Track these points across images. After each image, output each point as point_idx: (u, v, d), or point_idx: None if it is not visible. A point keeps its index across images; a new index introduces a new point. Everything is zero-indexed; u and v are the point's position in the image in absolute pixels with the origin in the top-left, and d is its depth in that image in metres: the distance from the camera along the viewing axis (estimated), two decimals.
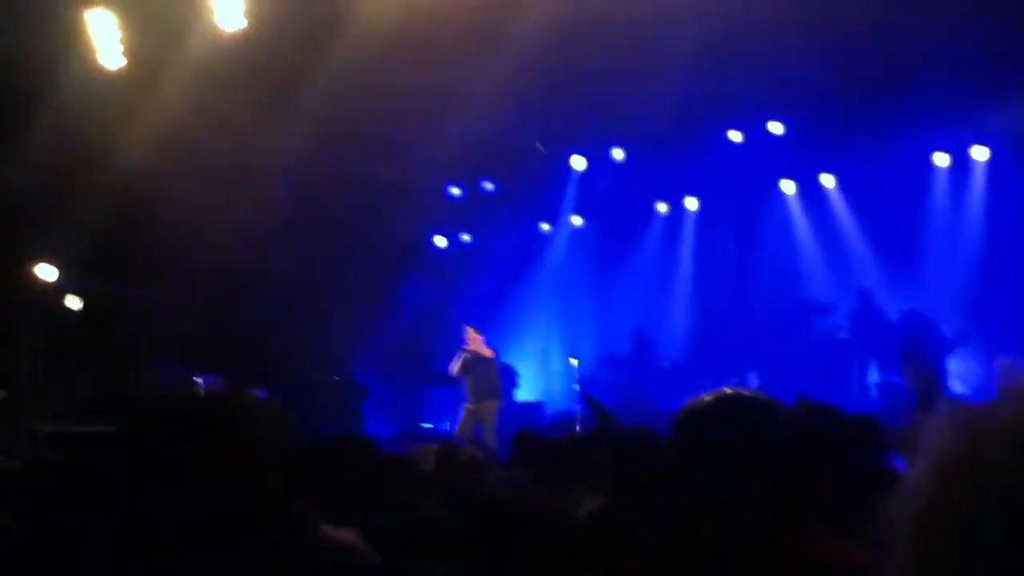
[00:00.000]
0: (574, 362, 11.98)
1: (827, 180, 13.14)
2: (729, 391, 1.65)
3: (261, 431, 1.44)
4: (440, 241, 14.56)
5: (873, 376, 11.93)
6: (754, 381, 12.38)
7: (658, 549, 1.45)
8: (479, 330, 11.22)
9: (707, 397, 1.63)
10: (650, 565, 1.46)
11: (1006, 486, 0.62)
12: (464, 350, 11.08)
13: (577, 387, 11.73)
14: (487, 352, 11.04)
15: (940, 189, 12.41)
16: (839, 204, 13.14)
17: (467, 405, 10.98)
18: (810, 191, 13.37)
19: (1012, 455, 0.62)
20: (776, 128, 11.94)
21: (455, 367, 11.13)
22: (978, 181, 12.10)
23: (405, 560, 2.01)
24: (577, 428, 10.75)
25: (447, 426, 13.03)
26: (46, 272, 11.14)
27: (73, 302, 11.43)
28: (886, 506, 0.75)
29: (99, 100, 9.06)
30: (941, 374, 10.45)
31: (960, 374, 10.95)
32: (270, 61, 8.88)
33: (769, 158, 12.63)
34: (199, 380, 9.74)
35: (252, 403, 1.54)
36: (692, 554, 1.41)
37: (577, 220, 14.59)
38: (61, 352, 10.90)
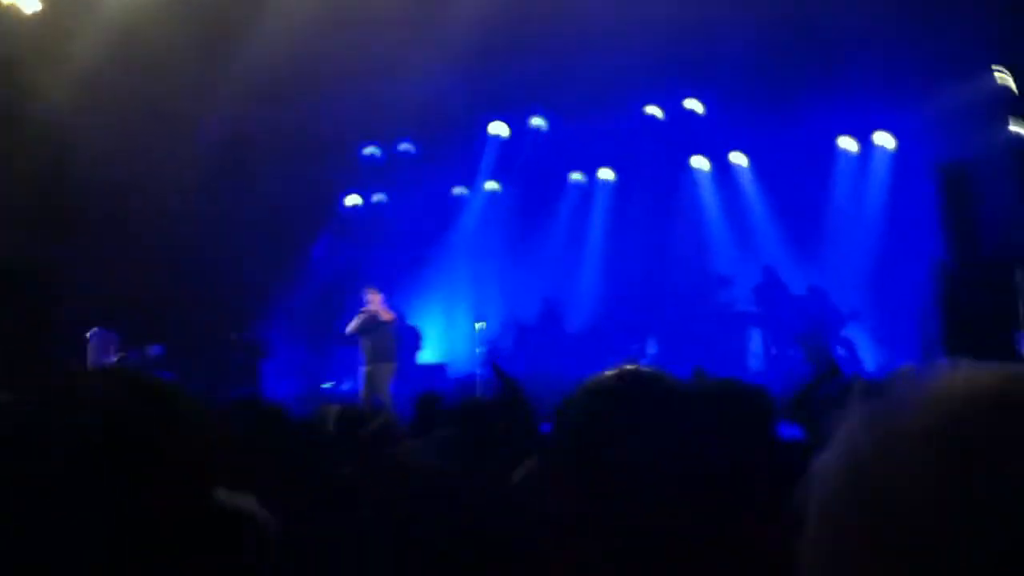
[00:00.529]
0: (479, 326, 11.98)
1: (739, 158, 13.41)
2: (629, 367, 1.64)
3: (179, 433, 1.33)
4: (354, 200, 14.32)
5: (770, 347, 12.34)
6: (652, 348, 12.67)
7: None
8: (380, 291, 11.10)
9: (607, 373, 1.61)
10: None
11: (914, 492, 0.65)
12: (363, 311, 10.96)
13: (479, 350, 11.73)
14: (386, 315, 10.90)
15: (846, 172, 12.82)
16: (749, 182, 13.44)
17: (363, 367, 10.90)
18: (722, 168, 13.64)
19: (921, 464, 0.66)
20: (695, 106, 12.14)
21: (351, 327, 11.01)
22: (882, 166, 12.54)
23: (311, 528, 1.97)
24: (478, 392, 10.82)
25: (347, 386, 12.92)
26: None
27: None
28: (794, 489, 0.76)
29: (12, 45, 8.60)
30: (833, 347, 11.01)
31: (852, 348, 11.51)
32: (200, 14, 8.57)
33: (685, 134, 12.82)
34: (91, 335, 9.35)
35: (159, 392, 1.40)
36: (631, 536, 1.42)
37: (493, 185, 14.54)
38: None
